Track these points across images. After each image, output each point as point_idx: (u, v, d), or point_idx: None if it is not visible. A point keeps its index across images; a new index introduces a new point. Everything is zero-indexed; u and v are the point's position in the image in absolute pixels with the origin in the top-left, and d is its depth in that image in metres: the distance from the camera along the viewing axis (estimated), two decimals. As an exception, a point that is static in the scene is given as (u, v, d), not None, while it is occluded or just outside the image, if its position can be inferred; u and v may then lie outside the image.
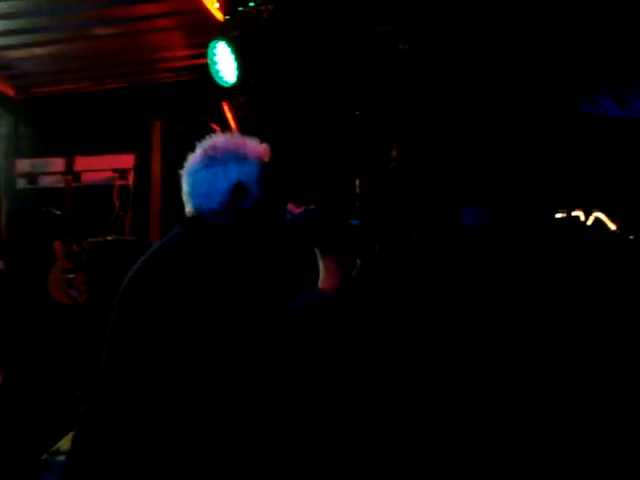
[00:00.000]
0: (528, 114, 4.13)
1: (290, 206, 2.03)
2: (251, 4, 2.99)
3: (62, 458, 3.84)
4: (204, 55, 4.23)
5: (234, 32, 3.21)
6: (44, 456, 3.88)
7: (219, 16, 2.95)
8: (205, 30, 3.90)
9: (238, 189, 1.80)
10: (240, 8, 2.97)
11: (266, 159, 1.88)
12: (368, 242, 4.16)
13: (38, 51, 4.22)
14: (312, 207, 2.05)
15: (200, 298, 1.65)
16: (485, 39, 4.03)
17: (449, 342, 3.66)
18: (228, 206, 1.80)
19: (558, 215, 4.50)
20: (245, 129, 3.89)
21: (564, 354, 3.02)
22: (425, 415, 3.50)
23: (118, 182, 4.65)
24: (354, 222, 2.47)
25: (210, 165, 1.81)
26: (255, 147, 1.88)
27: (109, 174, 4.65)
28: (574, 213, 4.60)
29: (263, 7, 3.09)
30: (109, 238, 3.28)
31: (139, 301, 1.75)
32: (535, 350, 3.06)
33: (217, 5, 2.88)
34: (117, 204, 4.44)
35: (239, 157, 1.82)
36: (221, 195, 1.79)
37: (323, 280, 1.96)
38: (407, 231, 3.98)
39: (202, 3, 2.87)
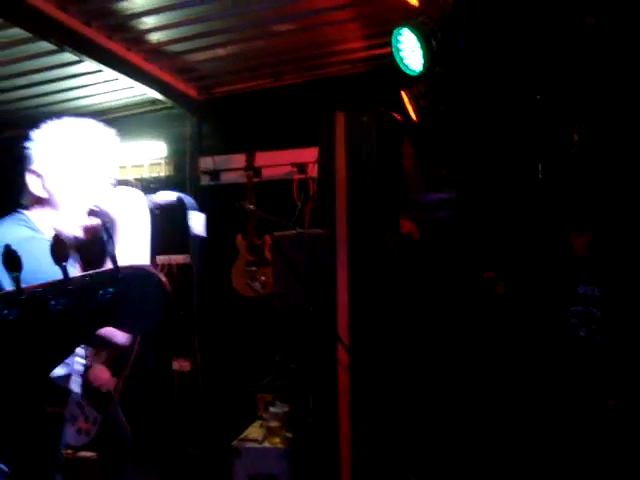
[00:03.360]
0: None
1: None
2: (444, -13, 2.90)
3: (250, 445, 3.98)
4: (379, 45, 4.22)
5: (417, 18, 3.12)
6: (234, 442, 4.04)
7: (414, 2, 2.87)
8: (381, 20, 3.87)
9: None
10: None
11: None
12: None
13: (219, 52, 4.38)
14: None
15: None
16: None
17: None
18: None
19: None
20: (426, 118, 3.80)
21: None
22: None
23: (297, 176, 4.72)
24: None
25: None
26: None
27: (288, 169, 4.73)
28: None
29: (449, -9, 2.99)
30: (295, 231, 3.30)
31: None
32: None
33: (412, -10, 2.81)
34: (297, 198, 4.52)
35: None
36: None
37: None
38: (577, 228, 3.78)
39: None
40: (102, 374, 3.21)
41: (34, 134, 1.82)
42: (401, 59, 3.15)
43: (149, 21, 3.89)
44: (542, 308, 3.69)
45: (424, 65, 3.04)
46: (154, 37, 4.11)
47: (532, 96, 4.38)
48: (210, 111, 5.06)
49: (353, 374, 3.23)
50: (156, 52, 4.31)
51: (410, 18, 3.14)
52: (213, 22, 3.96)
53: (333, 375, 3.31)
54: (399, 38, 3.13)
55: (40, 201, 1.81)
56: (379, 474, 3.37)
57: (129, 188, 1.78)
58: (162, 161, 5.25)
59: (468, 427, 3.64)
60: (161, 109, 5.18)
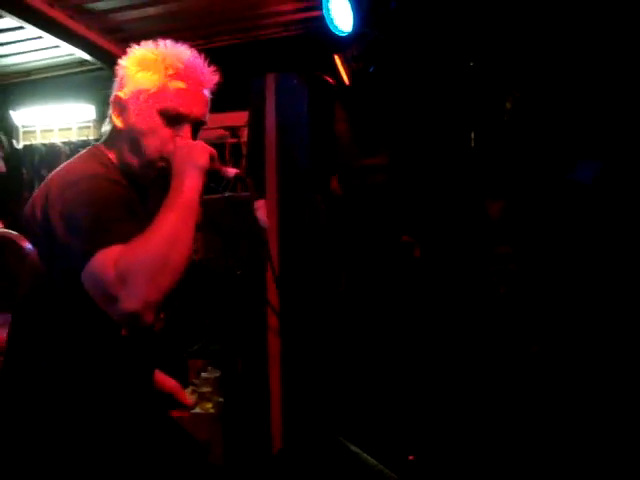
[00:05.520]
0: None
1: None
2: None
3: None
4: (312, 8, 4.14)
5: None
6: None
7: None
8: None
9: None
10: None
11: None
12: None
13: (149, 11, 4.23)
14: None
15: None
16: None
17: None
18: None
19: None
20: (358, 81, 3.78)
21: None
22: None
23: (229, 140, 4.63)
24: None
25: None
26: None
27: (220, 132, 4.63)
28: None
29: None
30: (226, 195, 3.23)
31: None
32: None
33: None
34: (229, 162, 4.44)
35: None
36: None
37: None
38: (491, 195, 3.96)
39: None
40: None
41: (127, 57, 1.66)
42: (332, 20, 3.11)
43: (73, -24, 3.74)
44: (460, 270, 3.84)
45: (354, 26, 3.01)
46: (79, -7, 3.95)
47: (466, 62, 4.40)
48: (140, 73, 4.91)
49: (284, 339, 3.22)
50: (82, 10, 4.13)
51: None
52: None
53: (263, 340, 3.30)
54: (329, -2, 3.08)
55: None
56: (310, 437, 3.39)
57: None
58: (91, 124, 5.09)
59: (397, 386, 3.70)
60: (90, 70, 4.99)
